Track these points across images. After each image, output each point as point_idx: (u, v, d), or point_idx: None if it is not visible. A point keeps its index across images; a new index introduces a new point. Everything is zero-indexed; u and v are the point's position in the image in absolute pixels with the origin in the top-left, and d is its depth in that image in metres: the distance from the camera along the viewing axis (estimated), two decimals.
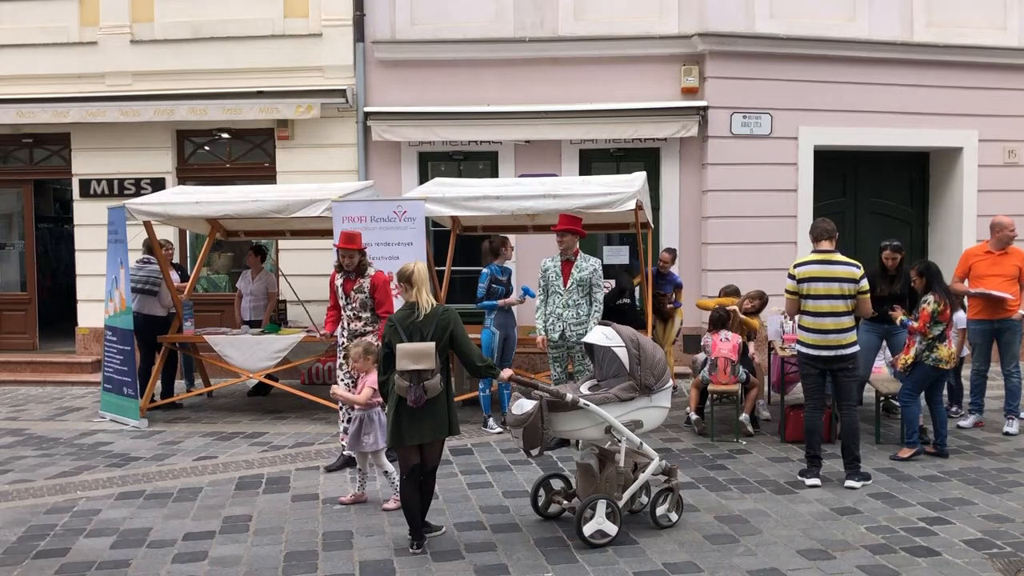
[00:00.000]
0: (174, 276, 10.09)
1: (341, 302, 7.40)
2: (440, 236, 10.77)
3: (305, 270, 10.90)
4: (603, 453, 5.66)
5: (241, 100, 11.07)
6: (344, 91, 11.13)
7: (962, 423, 8.18)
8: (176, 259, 11.45)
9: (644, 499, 5.85)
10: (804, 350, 6.54)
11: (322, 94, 11.10)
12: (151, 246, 9.69)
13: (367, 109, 11.24)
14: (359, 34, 11.28)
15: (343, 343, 7.36)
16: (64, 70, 11.56)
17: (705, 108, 10.97)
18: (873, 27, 11.17)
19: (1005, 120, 11.51)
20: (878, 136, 11.34)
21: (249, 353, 9.11)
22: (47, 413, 9.63)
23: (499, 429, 8.10)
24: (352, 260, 7.30)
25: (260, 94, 11.11)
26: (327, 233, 8.84)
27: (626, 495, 5.50)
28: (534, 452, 5.44)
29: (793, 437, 7.70)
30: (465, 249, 10.52)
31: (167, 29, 11.50)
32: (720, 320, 8.28)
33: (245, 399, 10.30)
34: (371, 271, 7.39)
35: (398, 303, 6.54)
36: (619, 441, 5.52)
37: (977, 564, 4.94)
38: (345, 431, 7.21)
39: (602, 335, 5.66)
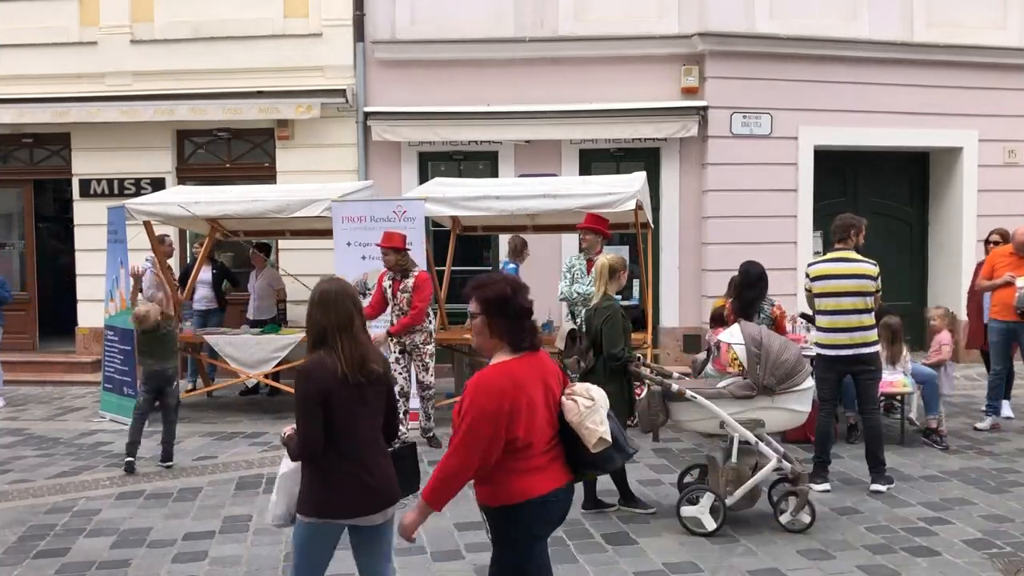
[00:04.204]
0: (205, 274, 10.32)
1: (389, 303, 7.59)
2: (440, 236, 10.76)
3: (305, 270, 10.88)
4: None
5: (241, 100, 11.06)
6: (344, 91, 11.13)
7: (979, 425, 8.14)
8: (176, 259, 11.46)
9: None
10: (824, 352, 6.40)
11: (322, 94, 11.09)
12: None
13: (367, 109, 11.22)
14: (359, 34, 11.27)
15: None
16: (64, 70, 11.55)
17: (705, 108, 10.96)
18: (873, 27, 11.15)
19: (1005, 120, 11.49)
20: (878, 136, 11.33)
21: (249, 353, 9.12)
22: (47, 413, 9.62)
23: None
24: (389, 259, 7.44)
25: (260, 94, 11.10)
26: (327, 233, 8.85)
27: (737, 493, 5.48)
28: (650, 436, 5.86)
29: (794, 437, 7.69)
30: (465, 249, 10.50)
31: (167, 29, 11.49)
32: (722, 318, 8.29)
33: (245, 399, 10.29)
34: (416, 271, 7.52)
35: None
36: (732, 438, 5.48)
37: (977, 564, 4.94)
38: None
39: (728, 333, 5.69)
